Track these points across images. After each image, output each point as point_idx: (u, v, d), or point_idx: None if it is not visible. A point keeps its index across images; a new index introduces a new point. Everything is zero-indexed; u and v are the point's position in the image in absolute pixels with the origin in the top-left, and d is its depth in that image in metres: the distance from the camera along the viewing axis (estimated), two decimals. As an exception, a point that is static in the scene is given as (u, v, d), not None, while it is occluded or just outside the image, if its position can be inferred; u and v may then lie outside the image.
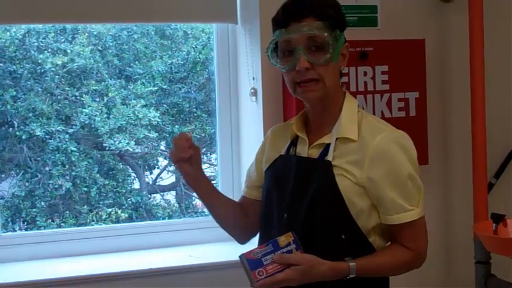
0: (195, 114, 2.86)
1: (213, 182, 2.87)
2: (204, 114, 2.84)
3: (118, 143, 2.71)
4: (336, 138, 1.69)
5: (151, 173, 2.91)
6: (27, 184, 2.67)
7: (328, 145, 1.70)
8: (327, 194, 1.66)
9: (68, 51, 2.70)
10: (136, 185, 2.86)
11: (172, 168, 2.91)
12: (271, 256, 1.65)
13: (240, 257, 1.67)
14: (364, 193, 1.66)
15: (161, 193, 2.91)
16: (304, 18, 1.66)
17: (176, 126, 2.80)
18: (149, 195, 2.87)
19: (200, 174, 1.80)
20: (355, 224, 1.67)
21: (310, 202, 1.68)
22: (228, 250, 2.43)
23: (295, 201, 1.72)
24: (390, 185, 1.65)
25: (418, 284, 2.42)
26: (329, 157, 1.68)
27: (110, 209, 2.74)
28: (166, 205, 2.90)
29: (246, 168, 2.64)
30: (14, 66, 2.64)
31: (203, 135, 2.86)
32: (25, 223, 2.65)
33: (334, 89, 1.71)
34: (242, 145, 2.66)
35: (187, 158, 1.74)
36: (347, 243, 1.68)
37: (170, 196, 2.93)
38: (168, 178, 2.94)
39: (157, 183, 2.92)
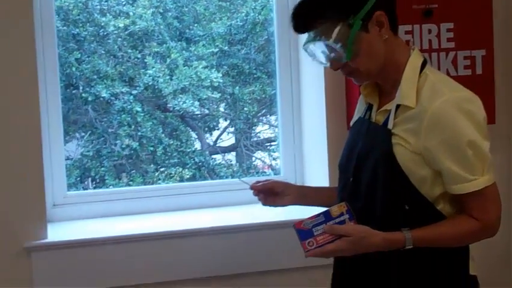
0: (255, 76, 2.86)
1: (273, 143, 2.92)
2: (263, 76, 2.84)
3: (182, 104, 2.74)
4: (397, 105, 1.65)
5: (211, 135, 2.94)
6: (93, 145, 2.73)
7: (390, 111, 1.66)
8: (386, 164, 1.64)
9: (130, 13, 2.72)
10: (198, 145, 2.90)
11: (232, 129, 2.93)
12: (323, 226, 1.64)
13: (293, 226, 1.68)
14: (422, 162, 1.61)
15: (222, 154, 2.94)
16: (307, 30, 1.66)
17: (237, 87, 2.81)
18: (211, 156, 2.90)
19: (296, 193, 1.94)
20: (418, 193, 1.63)
21: (372, 171, 1.67)
22: (290, 209, 2.45)
23: (360, 167, 1.71)
24: (446, 154, 1.59)
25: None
26: (389, 125, 1.65)
27: (175, 168, 2.79)
28: (227, 165, 2.93)
29: (306, 129, 2.66)
30: (78, 29, 2.69)
31: (263, 96, 2.86)
32: (94, 182, 2.72)
33: (380, 64, 1.66)
34: (303, 107, 2.66)
35: (275, 196, 1.91)
36: (412, 214, 1.64)
37: (231, 156, 2.96)
38: (228, 139, 2.96)
39: (217, 145, 2.95)
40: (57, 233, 2.32)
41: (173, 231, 2.36)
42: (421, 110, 1.60)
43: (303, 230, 1.65)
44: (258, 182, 1.94)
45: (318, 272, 2.23)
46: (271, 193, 1.93)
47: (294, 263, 2.38)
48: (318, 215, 1.66)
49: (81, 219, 2.47)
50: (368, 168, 1.68)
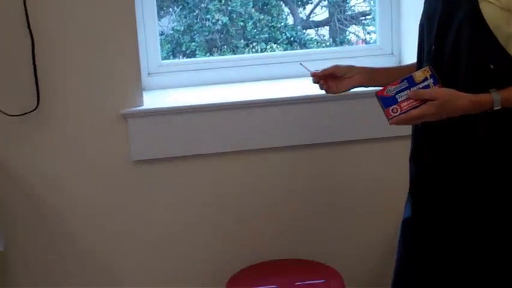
0: None
1: (368, 16, 2.82)
2: None
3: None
4: None
5: (304, 9, 2.87)
6: (185, 20, 2.74)
7: None
8: (472, 22, 1.55)
9: None
10: (290, 20, 2.84)
11: (325, 3, 2.85)
12: (407, 92, 1.58)
13: (375, 94, 1.62)
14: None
15: (316, 28, 2.88)
16: None
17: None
18: (303, 31, 2.84)
19: (360, 75, 1.84)
20: (505, 52, 1.55)
21: (456, 34, 1.59)
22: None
23: (442, 33, 1.63)
24: None
25: None
26: None
27: (266, 44, 2.76)
28: (321, 40, 2.87)
29: (404, 1, 2.56)
30: None
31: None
32: (185, 57, 2.74)
33: None
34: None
35: (338, 81, 1.82)
36: (497, 74, 1.57)
37: (324, 31, 2.89)
38: (322, 14, 2.88)
39: (310, 19, 2.88)
40: (152, 100, 2.38)
41: (265, 99, 2.37)
42: None
43: (385, 97, 1.60)
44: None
45: (397, 143, 2.21)
46: (333, 78, 1.84)
47: (374, 134, 2.36)
48: (402, 80, 1.61)
49: (174, 87, 2.51)
50: (452, 31, 1.60)
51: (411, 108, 1.58)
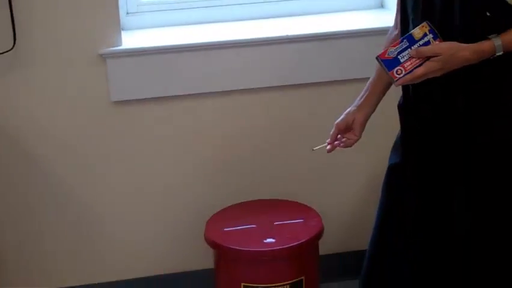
0: None
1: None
2: None
3: None
4: None
5: None
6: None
7: None
8: None
9: None
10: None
11: None
12: (408, 52, 1.57)
13: (376, 58, 1.60)
14: None
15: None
16: None
17: None
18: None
19: (364, 110, 1.83)
20: None
21: None
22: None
23: None
24: None
25: None
26: None
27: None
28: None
29: None
30: None
31: None
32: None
33: None
34: None
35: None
36: (494, 21, 1.53)
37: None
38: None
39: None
40: (131, 40, 2.35)
41: (247, 39, 2.35)
42: None
43: (387, 60, 1.59)
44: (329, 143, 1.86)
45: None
46: (343, 132, 1.85)
47: (358, 74, 2.34)
48: (402, 40, 1.59)
49: (154, 27, 2.47)
50: None
51: (416, 67, 1.58)
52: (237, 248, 2.14)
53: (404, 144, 1.80)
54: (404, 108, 1.79)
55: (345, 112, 1.87)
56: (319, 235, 2.22)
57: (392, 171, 1.85)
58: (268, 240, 2.17)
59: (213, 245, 2.20)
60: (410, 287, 1.84)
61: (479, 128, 1.65)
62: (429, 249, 1.78)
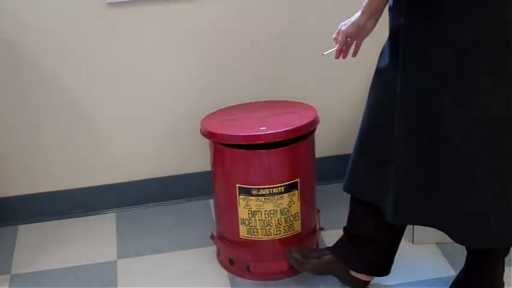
0: None
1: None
2: None
3: None
4: None
5: None
6: None
7: None
8: None
9: None
10: None
11: None
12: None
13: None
14: None
15: None
16: None
17: None
18: None
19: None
20: None
21: None
22: None
23: None
24: None
25: None
26: None
27: None
28: None
29: None
30: None
31: None
32: None
33: None
34: None
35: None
36: None
37: None
38: None
39: None
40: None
41: None
42: None
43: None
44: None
45: None
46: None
47: None
48: None
49: None
50: None
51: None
52: (232, 134, 2.14)
53: (390, 48, 1.83)
54: (392, 9, 1.81)
55: (354, 18, 1.81)
56: (313, 123, 2.20)
57: (378, 74, 1.89)
58: (263, 128, 2.16)
59: (208, 134, 2.20)
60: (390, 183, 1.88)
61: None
62: (413, 147, 1.81)
